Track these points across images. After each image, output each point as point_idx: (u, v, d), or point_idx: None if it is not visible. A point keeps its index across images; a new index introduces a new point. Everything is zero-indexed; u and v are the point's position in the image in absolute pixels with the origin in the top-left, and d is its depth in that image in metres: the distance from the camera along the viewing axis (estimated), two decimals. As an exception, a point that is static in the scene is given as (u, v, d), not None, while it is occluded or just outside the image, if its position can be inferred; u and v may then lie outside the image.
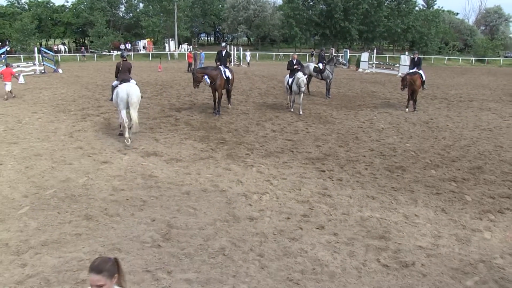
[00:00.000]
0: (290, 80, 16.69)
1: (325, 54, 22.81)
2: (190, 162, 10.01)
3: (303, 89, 16.12)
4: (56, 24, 64.84)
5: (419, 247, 6.19)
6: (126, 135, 11.31)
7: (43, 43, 68.05)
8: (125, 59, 12.55)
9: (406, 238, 6.46)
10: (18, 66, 29.92)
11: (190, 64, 34.41)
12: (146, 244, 6.06)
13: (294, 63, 17.00)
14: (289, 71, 17.14)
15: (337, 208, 7.53)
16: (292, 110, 16.78)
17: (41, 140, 11.69)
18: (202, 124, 14.26)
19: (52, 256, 5.73)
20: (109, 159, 10.09)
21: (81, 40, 74.37)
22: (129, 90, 11.47)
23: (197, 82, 15.20)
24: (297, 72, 16.44)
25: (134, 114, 11.37)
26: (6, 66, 21.32)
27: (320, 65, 21.26)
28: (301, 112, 16.27)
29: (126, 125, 11.36)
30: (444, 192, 8.44)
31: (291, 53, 29.96)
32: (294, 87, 16.30)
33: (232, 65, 19.26)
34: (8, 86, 18.74)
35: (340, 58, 21.52)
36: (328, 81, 21.01)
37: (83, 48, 60.17)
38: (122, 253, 5.79)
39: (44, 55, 34.15)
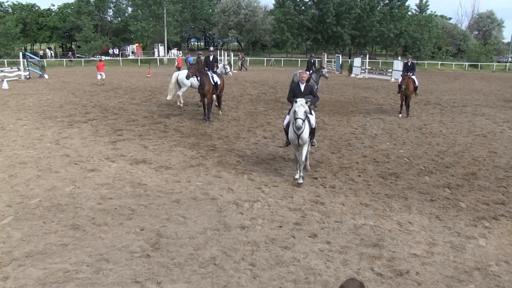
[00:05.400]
0: (286, 120, 9.55)
1: (314, 61, 22.29)
2: (180, 170, 9.98)
3: (303, 133, 8.84)
4: (42, 28, 64.59)
5: (413, 255, 6.22)
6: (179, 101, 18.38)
7: (28, 47, 67.68)
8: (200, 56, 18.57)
9: (400, 246, 6.49)
10: (2, 71, 29.73)
11: (179, 69, 35.26)
12: (135, 254, 6.02)
13: (302, 90, 9.75)
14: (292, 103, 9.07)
15: (330, 216, 7.54)
16: (297, 179, 9.08)
17: (26, 147, 11.58)
18: (192, 130, 14.24)
19: (37, 267, 5.66)
20: (96, 167, 10.03)
21: (68, 44, 74.10)
22: (175, 74, 18.28)
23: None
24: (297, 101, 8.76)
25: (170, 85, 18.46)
26: (100, 60, 31.00)
27: (307, 73, 20.23)
28: (300, 180, 9.07)
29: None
30: (438, 199, 8.49)
31: (291, 66, 29.36)
32: (291, 133, 9.07)
33: (228, 72, 19.00)
34: (100, 76, 27.43)
35: (324, 71, 20.31)
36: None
37: (70, 53, 59.93)
38: (110, 263, 5.75)
39: (29, 60, 33.93)
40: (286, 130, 9.52)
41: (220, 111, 17.28)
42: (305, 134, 8.96)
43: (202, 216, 7.41)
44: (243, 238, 6.61)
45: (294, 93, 9.60)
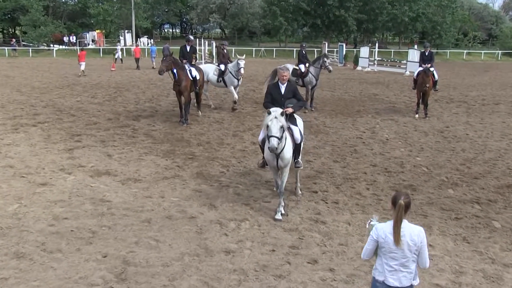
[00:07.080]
0: (262, 135, 8.64)
1: (306, 51, 21.45)
2: (152, 183, 9.94)
3: (283, 151, 8.05)
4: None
5: (436, 285, 6.21)
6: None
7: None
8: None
9: (420, 274, 6.47)
10: None
11: (137, 60, 36.38)
12: (96, 287, 5.96)
13: (283, 92, 8.77)
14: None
15: (333, 238, 7.54)
16: (276, 216, 8.28)
17: (-40, 157, 11.47)
18: (166, 135, 14.21)
19: (-30, 308, 5.56)
20: (48, 180, 9.94)
21: (10, 30, 73.46)
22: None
23: (165, 68, 14.87)
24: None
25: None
26: (81, 50, 33.74)
27: (302, 67, 19.04)
28: (278, 216, 8.24)
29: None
30: (466, 217, 8.52)
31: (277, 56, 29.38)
32: (267, 152, 8.07)
33: (241, 68, 18.58)
34: (83, 66, 30.34)
35: (327, 61, 19.19)
36: (311, 87, 19.22)
37: (13, 40, 59.25)
38: (64, 299, 5.67)
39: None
40: (262, 147, 8.57)
41: (199, 112, 17.28)
42: (287, 153, 8.16)
43: (178, 238, 7.37)
44: (228, 265, 6.58)
45: (272, 97, 8.78)
